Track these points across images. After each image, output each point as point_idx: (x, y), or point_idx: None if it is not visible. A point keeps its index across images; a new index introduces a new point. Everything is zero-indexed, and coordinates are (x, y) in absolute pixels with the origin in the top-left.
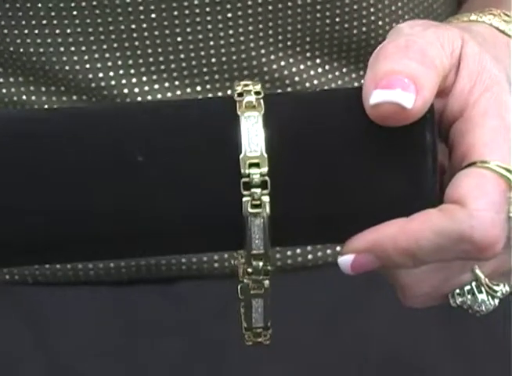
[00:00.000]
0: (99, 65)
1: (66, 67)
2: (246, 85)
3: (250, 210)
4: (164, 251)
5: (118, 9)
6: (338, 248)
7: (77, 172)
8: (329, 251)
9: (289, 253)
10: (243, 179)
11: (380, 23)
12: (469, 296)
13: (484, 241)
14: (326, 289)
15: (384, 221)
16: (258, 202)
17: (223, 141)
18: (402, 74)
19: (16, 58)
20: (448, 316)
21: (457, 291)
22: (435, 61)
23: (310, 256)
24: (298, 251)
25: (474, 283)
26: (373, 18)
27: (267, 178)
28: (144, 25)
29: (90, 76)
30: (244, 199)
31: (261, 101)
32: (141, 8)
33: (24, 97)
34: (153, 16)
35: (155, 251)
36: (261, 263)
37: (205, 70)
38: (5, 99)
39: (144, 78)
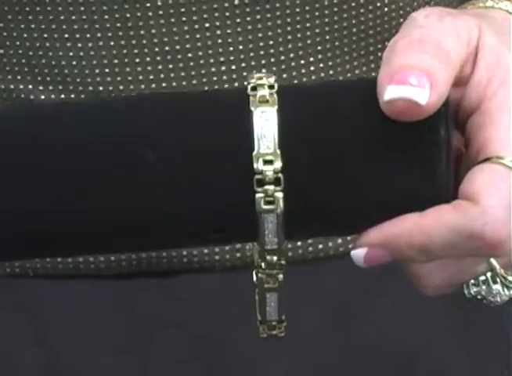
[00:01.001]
0: (105, 61)
1: (73, 62)
2: (259, 78)
3: (264, 206)
4: (176, 246)
5: (125, 5)
6: (340, 241)
7: (85, 171)
8: (330, 244)
9: (289, 246)
10: (257, 176)
11: (385, 18)
12: (484, 286)
13: (495, 239)
14: (327, 282)
15: (398, 214)
16: (272, 198)
17: (235, 137)
18: (416, 69)
19: (23, 54)
20: (456, 308)
21: (472, 281)
22: (451, 54)
23: (311, 248)
24: (299, 243)
25: (489, 274)
26: (386, 9)
27: (280, 174)
28: (151, 22)
29: (96, 71)
30: (258, 195)
31: (275, 95)
32: (148, 5)
33: (32, 96)
34: (160, 12)
35: (168, 246)
36: (275, 258)
37: (213, 70)
38: (13, 95)
39: (151, 76)
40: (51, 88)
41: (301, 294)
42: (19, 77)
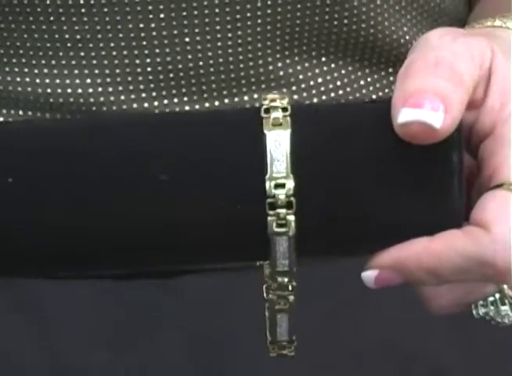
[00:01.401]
0: (99, 88)
1: (79, 91)
2: (273, 100)
3: (276, 229)
4: (186, 263)
5: (127, 8)
6: None
7: (97, 188)
8: None
9: None
10: (269, 200)
11: (378, 19)
12: (492, 307)
13: (505, 266)
14: (324, 282)
15: (409, 238)
16: (283, 221)
17: (248, 160)
18: (430, 93)
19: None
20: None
21: (480, 302)
22: (464, 76)
23: None
24: None
25: (497, 295)
26: (372, 14)
27: (292, 198)
28: (152, 25)
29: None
30: (269, 219)
31: (288, 118)
32: (150, 7)
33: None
34: (162, 15)
35: (177, 263)
36: (286, 279)
37: (212, 78)
38: None
39: (151, 85)
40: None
41: (298, 296)
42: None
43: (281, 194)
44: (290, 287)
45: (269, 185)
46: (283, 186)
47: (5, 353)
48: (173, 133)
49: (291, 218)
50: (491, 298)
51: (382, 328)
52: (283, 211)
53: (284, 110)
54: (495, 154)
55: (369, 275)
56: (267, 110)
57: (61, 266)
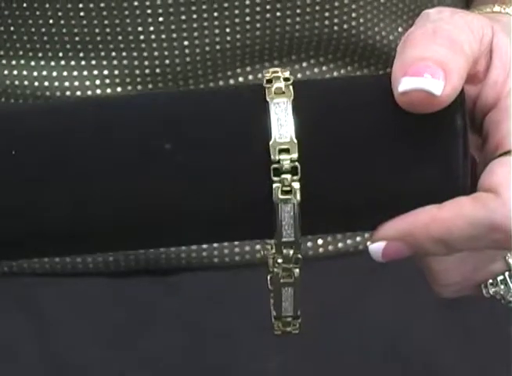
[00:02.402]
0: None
1: (78, 93)
2: (275, 72)
3: (281, 196)
4: (192, 241)
5: (126, 12)
6: (329, 239)
7: (104, 165)
8: (329, 246)
9: None
10: (274, 165)
11: (375, 29)
12: (502, 286)
13: None
14: (320, 280)
15: (415, 206)
16: (289, 188)
17: (252, 128)
18: (430, 61)
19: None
20: (452, 309)
21: (490, 281)
22: (464, 46)
23: (309, 244)
24: None
25: (506, 273)
26: (353, 14)
27: (297, 164)
28: (151, 28)
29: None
30: (274, 185)
31: (291, 87)
32: (149, 11)
33: None
34: (161, 19)
35: (182, 241)
36: (291, 251)
37: (210, 78)
38: None
39: (149, 87)
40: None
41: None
42: None
43: (286, 160)
44: (295, 260)
45: (274, 150)
46: (287, 151)
47: (4, 351)
48: (175, 108)
49: (296, 185)
50: (500, 277)
51: (381, 328)
52: (288, 176)
53: (286, 80)
54: (501, 125)
55: (376, 247)
56: (269, 81)
57: (64, 247)
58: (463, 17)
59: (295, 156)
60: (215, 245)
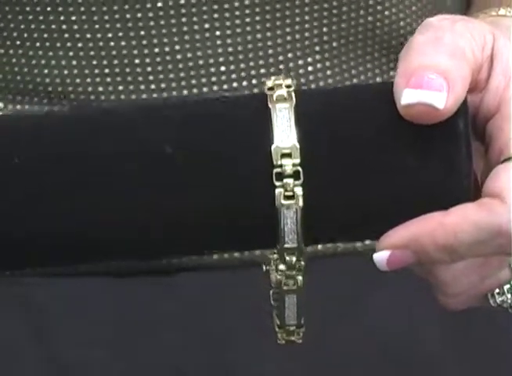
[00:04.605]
0: (104, 62)
1: (77, 80)
2: (276, 80)
3: (283, 201)
4: (193, 249)
5: (125, 6)
6: None
7: (107, 172)
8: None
9: None
10: (276, 170)
11: (386, 21)
12: (509, 295)
13: None
14: (320, 281)
15: (419, 211)
16: (291, 193)
17: (255, 133)
18: (432, 70)
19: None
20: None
21: (497, 290)
22: (467, 52)
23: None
24: None
25: None
26: (384, 8)
27: (299, 168)
28: (151, 23)
29: (96, 71)
30: (277, 190)
31: (292, 93)
32: (148, 5)
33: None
34: (161, 13)
35: (185, 248)
36: (294, 258)
37: (212, 70)
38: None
39: (150, 77)
40: (45, 101)
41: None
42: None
43: (288, 164)
44: (298, 267)
45: (276, 155)
46: (289, 155)
47: (4, 351)
48: (177, 114)
49: (299, 190)
50: (507, 286)
51: (381, 329)
52: (290, 181)
53: (288, 87)
54: (503, 131)
55: (381, 256)
56: (271, 89)
57: (69, 257)
58: (465, 24)
59: (297, 160)
60: None
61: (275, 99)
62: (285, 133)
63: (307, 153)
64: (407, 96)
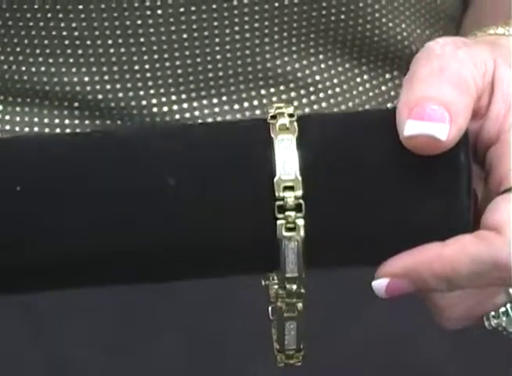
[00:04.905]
0: (104, 68)
1: (77, 88)
2: (279, 107)
3: (285, 233)
4: (194, 274)
5: (125, 13)
6: None
7: (106, 198)
8: None
9: None
10: (278, 203)
11: (383, 19)
12: (504, 318)
13: None
14: (319, 287)
15: (418, 242)
16: (293, 225)
17: (257, 165)
18: (435, 101)
19: (21, 82)
20: None
21: (492, 313)
22: (469, 83)
23: None
24: None
25: (508, 305)
26: (377, 15)
27: (301, 201)
28: (151, 29)
29: (96, 78)
30: (279, 222)
31: (295, 123)
32: (148, 12)
33: (36, 128)
34: (160, 20)
35: (186, 274)
36: (294, 286)
37: (220, 74)
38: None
39: (149, 83)
40: (46, 103)
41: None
42: (18, 109)
43: (290, 197)
44: (298, 295)
45: (278, 188)
46: (291, 188)
47: (4, 353)
48: (179, 143)
49: (300, 222)
50: (502, 309)
51: (383, 336)
52: (292, 214)
53: (290, 116)
54: (504, 160)
55: (379, 284)
56: (273, 117)
57: (74, 279)
58: (467, 51)
59: (299, 193)
60: None
61: (277, 128)
62: (287, 165)
63: (309, 185)
64: (410, 127)
